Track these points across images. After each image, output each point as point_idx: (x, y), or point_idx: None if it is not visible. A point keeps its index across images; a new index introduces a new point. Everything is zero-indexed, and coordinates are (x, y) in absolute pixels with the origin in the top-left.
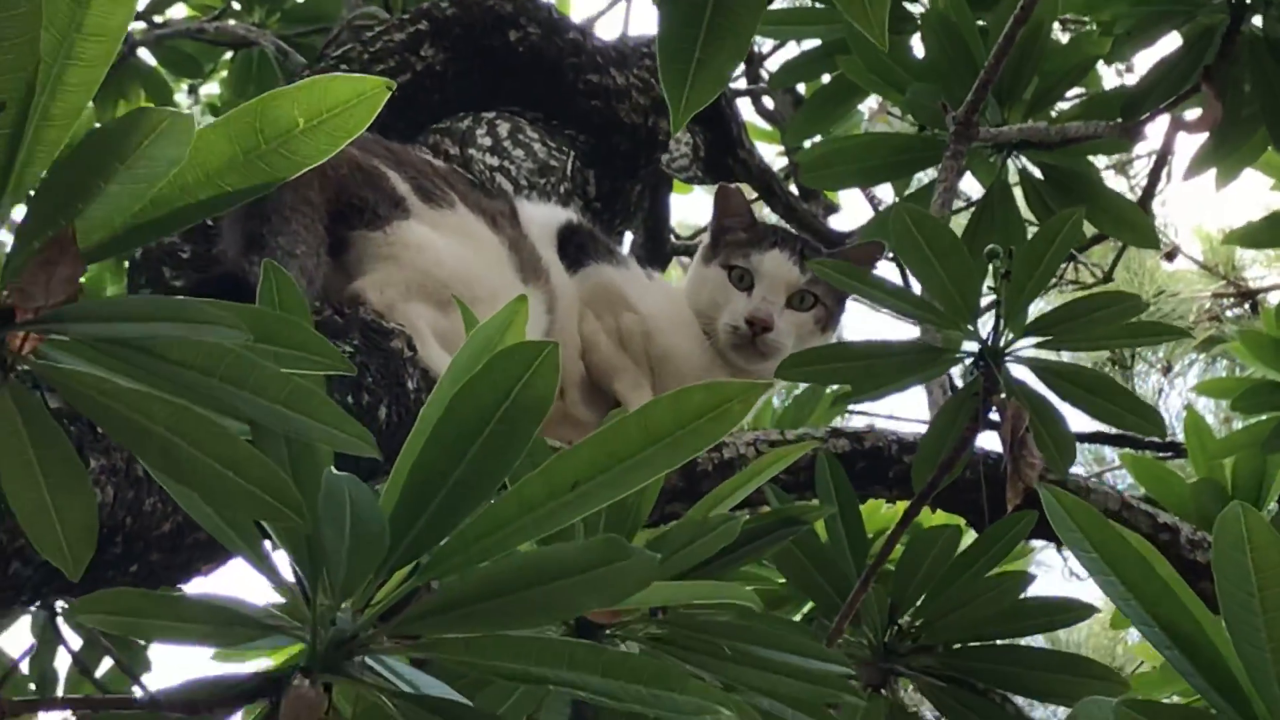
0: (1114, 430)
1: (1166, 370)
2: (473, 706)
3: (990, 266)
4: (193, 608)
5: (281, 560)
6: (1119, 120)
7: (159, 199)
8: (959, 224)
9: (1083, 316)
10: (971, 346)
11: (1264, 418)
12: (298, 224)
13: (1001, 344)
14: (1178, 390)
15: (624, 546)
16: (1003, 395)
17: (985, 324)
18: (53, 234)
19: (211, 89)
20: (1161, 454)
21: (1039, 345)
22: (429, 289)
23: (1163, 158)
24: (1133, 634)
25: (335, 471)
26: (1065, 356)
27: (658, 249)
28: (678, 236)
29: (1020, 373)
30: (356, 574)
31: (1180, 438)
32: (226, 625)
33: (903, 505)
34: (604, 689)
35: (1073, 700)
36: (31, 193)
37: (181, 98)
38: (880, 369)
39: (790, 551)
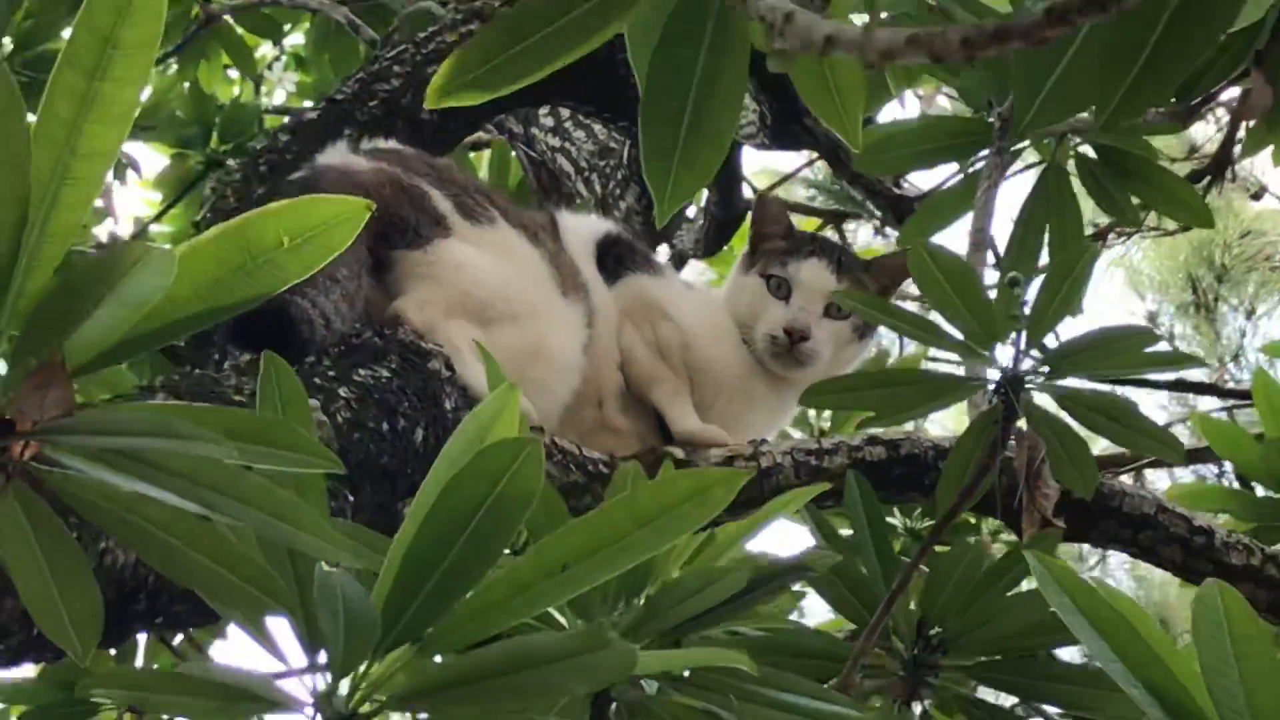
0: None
1: (1250, 314)
2: None
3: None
4: (201, 684)
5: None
6: (1173, 102)
7: (151, 315)
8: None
9: (1100, 345)
10: (993, 374)
11: None
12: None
13: (1021, 371)
14: (1262, 333)
15: (603, 637)
16: (1021, 424)
17: (1007, 352)
18: (43, 359)
19: (296, 39)
20: (1245, 403)
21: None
22: (470, 307)
23: (1236, 121)
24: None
25: (327, 569)
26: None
27: (730, 207)
28: (755, 189)
29: (1041, 400)
30: (352, 656)
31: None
32: (233, 700)
33: None
34: None
35: (1103, 714)
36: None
37: (267, 49)
38: (902, 397)
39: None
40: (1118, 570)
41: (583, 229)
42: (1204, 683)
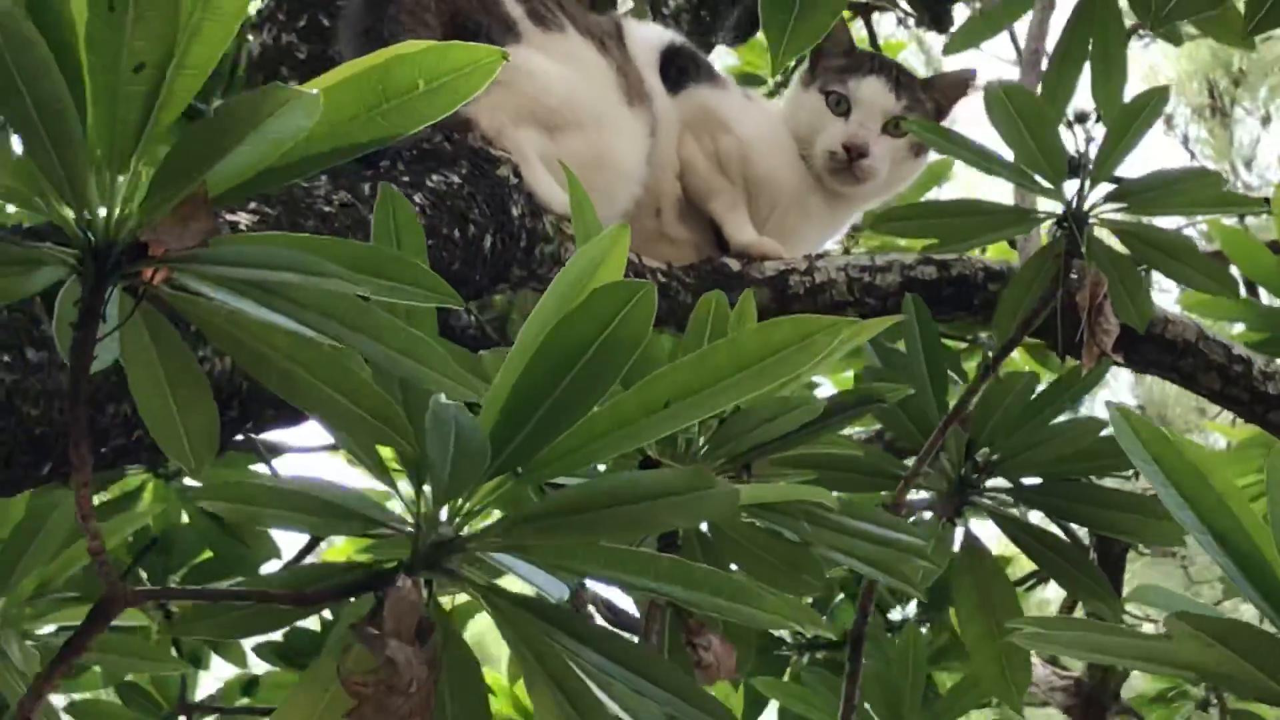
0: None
1: (1265, 120)
2: (562, 608)
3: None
4: (306, 499)
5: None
6: None
7: (288, 150)
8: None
9: (1168, 185)
10: (1056, 208)
11: None
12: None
13: (1085, 207)
14: (1276, 138)
15: (709, 479)
16: (1084, 259)
17: (1071, 188)
18: (189, 190)
19: None
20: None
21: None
22: (539, 114)
23: None
24: None
25: (444, 401)
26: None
27: None
28: None
29: (1103, 236)
30: (458, 483)
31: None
32: (336, 518)
33: None
34: (687, 598)
35: (1139, 537)
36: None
37: None
38: (967, 226)
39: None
40: None
41: (648, 37)
42: (1271, 534)
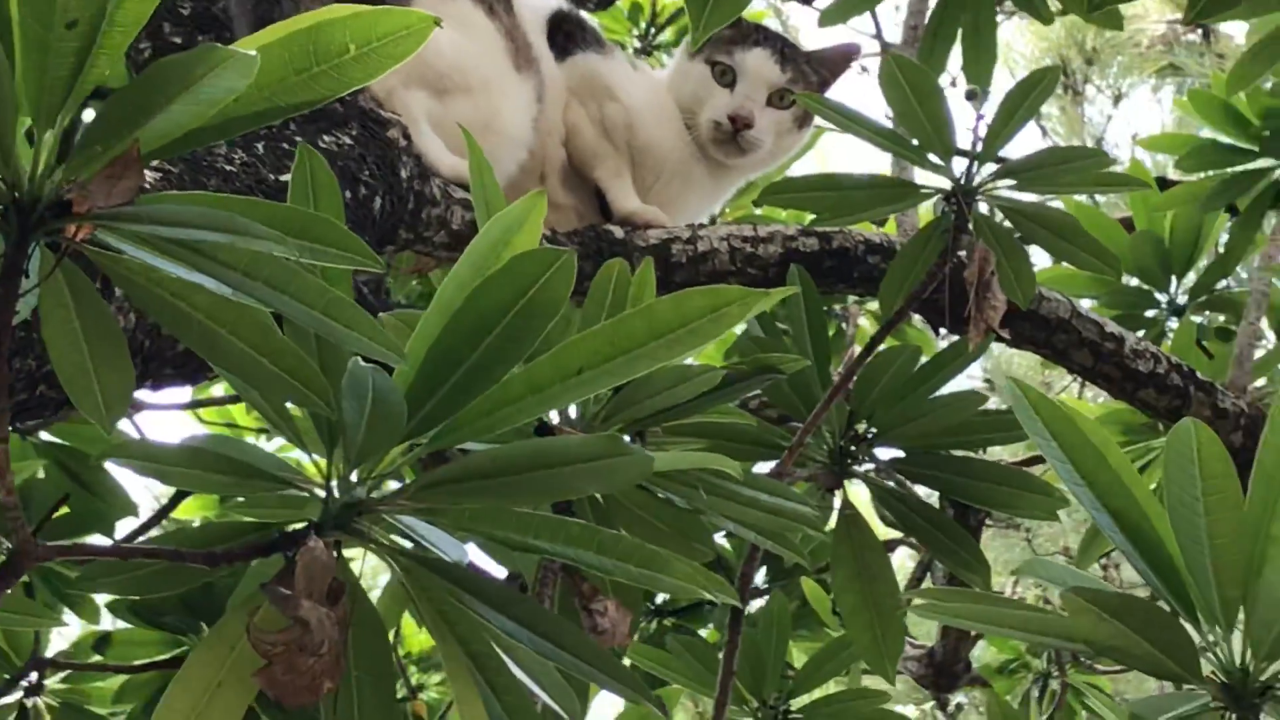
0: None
1: (1116, 98)
2: (470, 570)
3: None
4: (217, 460)
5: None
6: None
7: (219, 110)
8: None
9: (1055, 164)
10: (944, 184)
11: (1206, 175)
12: (305, 9)
13: (974, 184)
14: (1125, 117)
15: (625, 445)
16: (971, 235)
17: (960, 164)
18: (120, 148)
19: None
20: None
21: (1010, 188)
22: (428, 77)
23: None
24: None
25: (360, 364)
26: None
27: None
28: None
29: (990, 211)
30: (372, 445)
31: (1124, 166)
32: (246, 478)
33: None
34: (597, 564)
35: (1015, 510)
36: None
37: None
38: (855, 199)
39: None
40: None
41: (535, 3)
42: (1167, 512)
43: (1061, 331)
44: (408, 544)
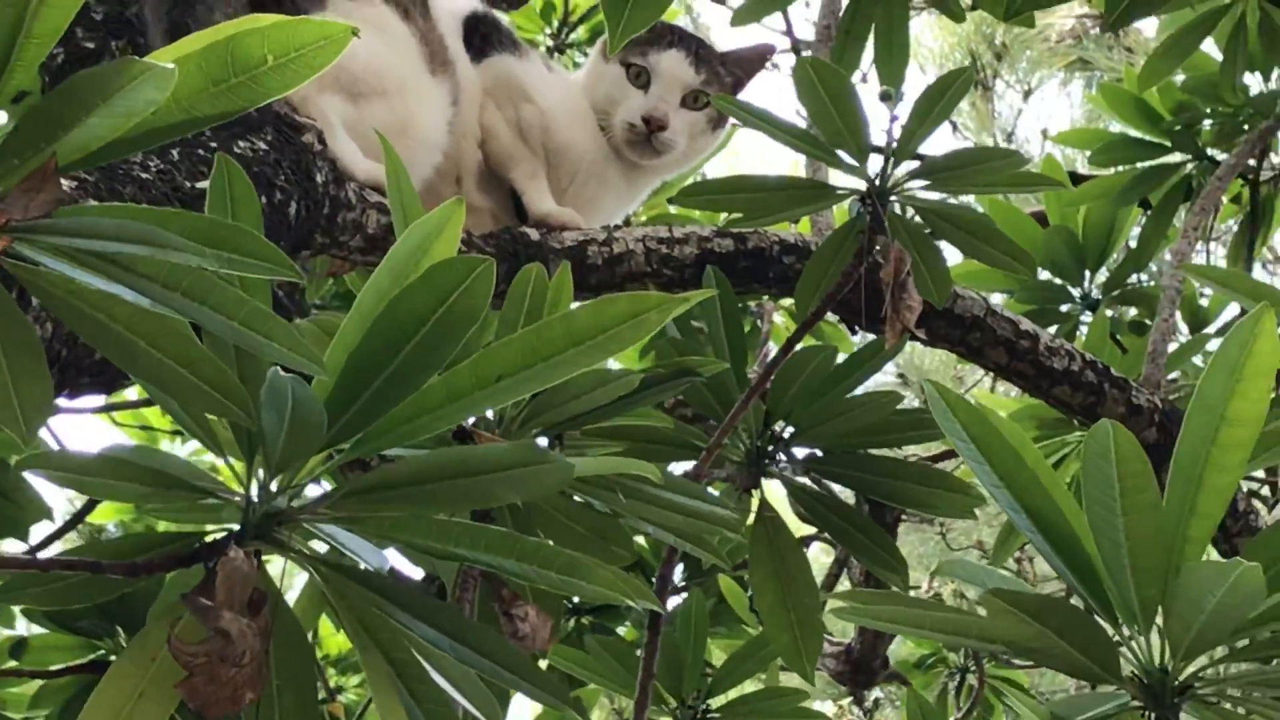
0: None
1: (1026, 93)
2: (390, 578)
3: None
4: (136, 469)
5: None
6: None
7: (137, 123)
8: None
9: (969, 165)
10: (859, 184)
11: (1118, 170)
12: (220, 14)
13: (889, 184)
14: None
15: (544, 453)
16: (887, 236)
17: (875, 164)
18: (37, 161)
19: None
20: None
21: (924, 188)
22: (342, 81)
23: None
24: None
25: (279, 374)
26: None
27: None
28: None
29: (904, 211)
30: (292, 454)
31: (1035, 164)
32: (166, 488)
33: None
34: (518, 571)
35: (932, 509)
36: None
37: None
38: (771, 201)
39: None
40: None
41: (452, 5)
42: (1084, 512)
43: (976, 330)
44: (327, 548)
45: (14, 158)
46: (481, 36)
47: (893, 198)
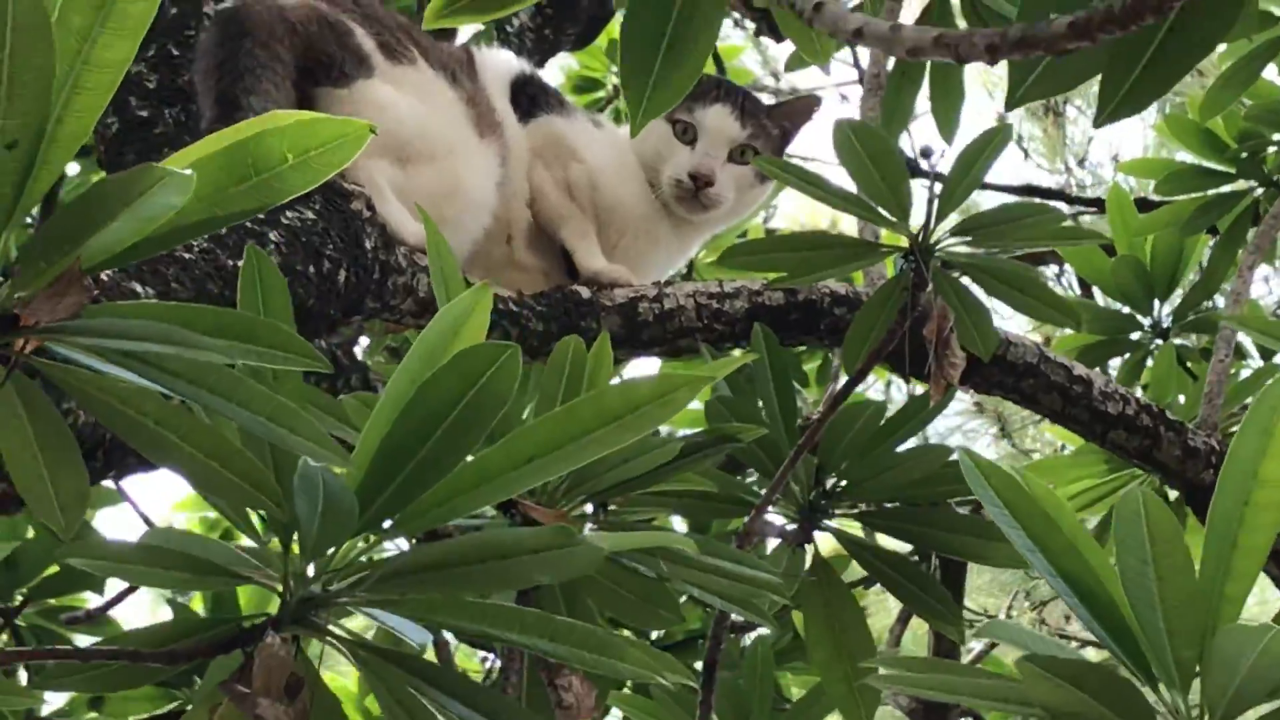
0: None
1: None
2: (426, 660)
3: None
4: (176, 557)
5: None
6: None
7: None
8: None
9: (1009, 220)
10: (903, 242)
11: (1185, 199)
12: (269, 83)
13: (931, 241)
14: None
15: (573, 536)
16: (930, 291)
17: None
18: (63, 267)
19: None
20: (1090, 210)
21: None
22: (391, 147)
23: None
24: None
25: (310, 464)
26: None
27: (606, 2)
28: None
29: (947, 267)
30: (326, 540)
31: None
32: (205, 574)
33: None
34: (552, 650)
35: (986, 560)
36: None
37: None
38: (815, 259)
39: (725, 417)
40: None
41: (498, 66)
42: (1119, 575)
43: (1029, 376)
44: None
45: (41, 261)
46: (529, 97)
47: (936, 253)
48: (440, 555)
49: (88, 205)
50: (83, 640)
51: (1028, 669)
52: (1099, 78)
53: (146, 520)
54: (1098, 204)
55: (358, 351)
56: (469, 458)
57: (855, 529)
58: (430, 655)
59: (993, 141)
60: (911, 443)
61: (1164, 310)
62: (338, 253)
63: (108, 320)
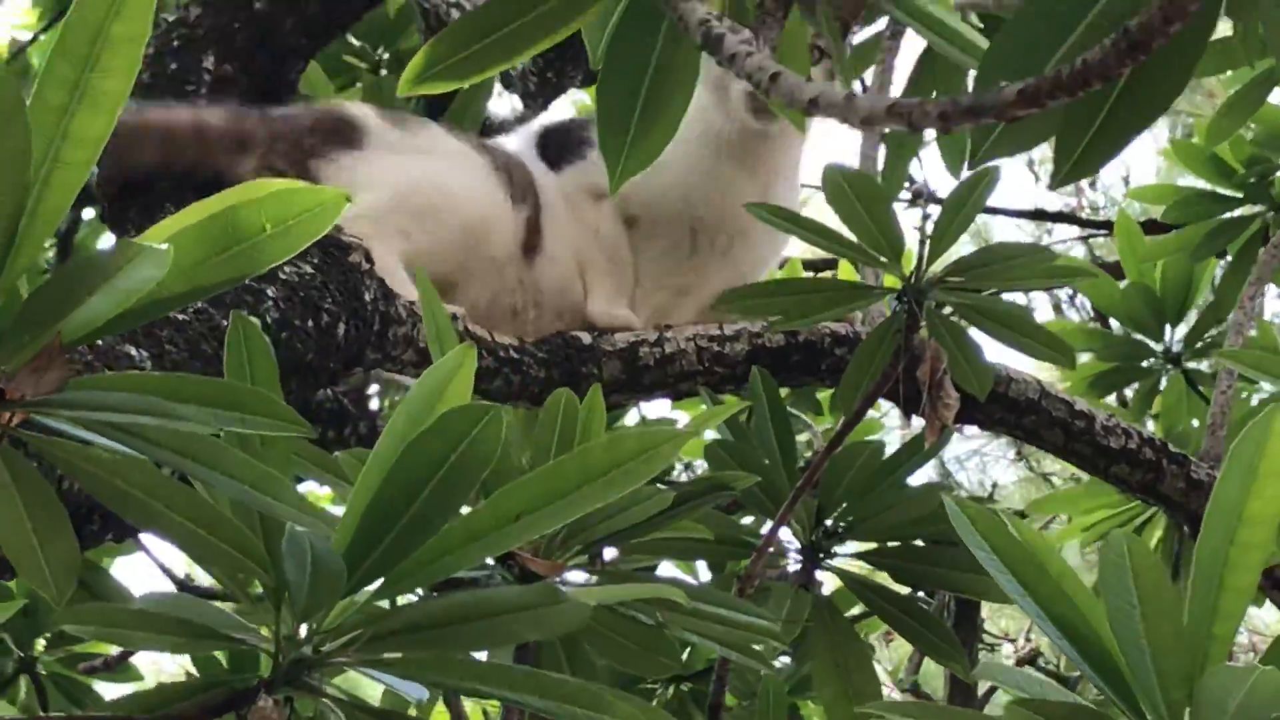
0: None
1: None
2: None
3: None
4: (168, 622)
5: None
6: None
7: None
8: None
9: (1000, 261)
10: (895, 284)
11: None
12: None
13: (924, 283)
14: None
15: (558, 594)
16: (923, 333)
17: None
18: (43, 343)
19: None
20: (1100, 232)
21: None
22: (408, 210)
23: None
24: None
25: (297, 529)
26: None
27: None
28: None
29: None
30: (316, 603)
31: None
32: (199, 637)
33: None
34: (542, 707)
35: (987, 596)
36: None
37: None
38: (812, 302)
39: (725, 461)
40: None
41: (525, 131)
42: (1107, 618)
43: (1031, 413)
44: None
45: (23, 335)
46: (556, 147)
47: (929, 296)
48: (431, 614)
49: (65, 283)
50: (102, 686)
51: (1014, 713)
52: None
53: (163, 568)
54: (1108, 226)
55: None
56: (463, 511)
57: (859, 567)
58: (441, 707)
59: (981, 183)
60: (927, 472)
61: (1175, 336)
62: (336, 306)
63: (92, 393)
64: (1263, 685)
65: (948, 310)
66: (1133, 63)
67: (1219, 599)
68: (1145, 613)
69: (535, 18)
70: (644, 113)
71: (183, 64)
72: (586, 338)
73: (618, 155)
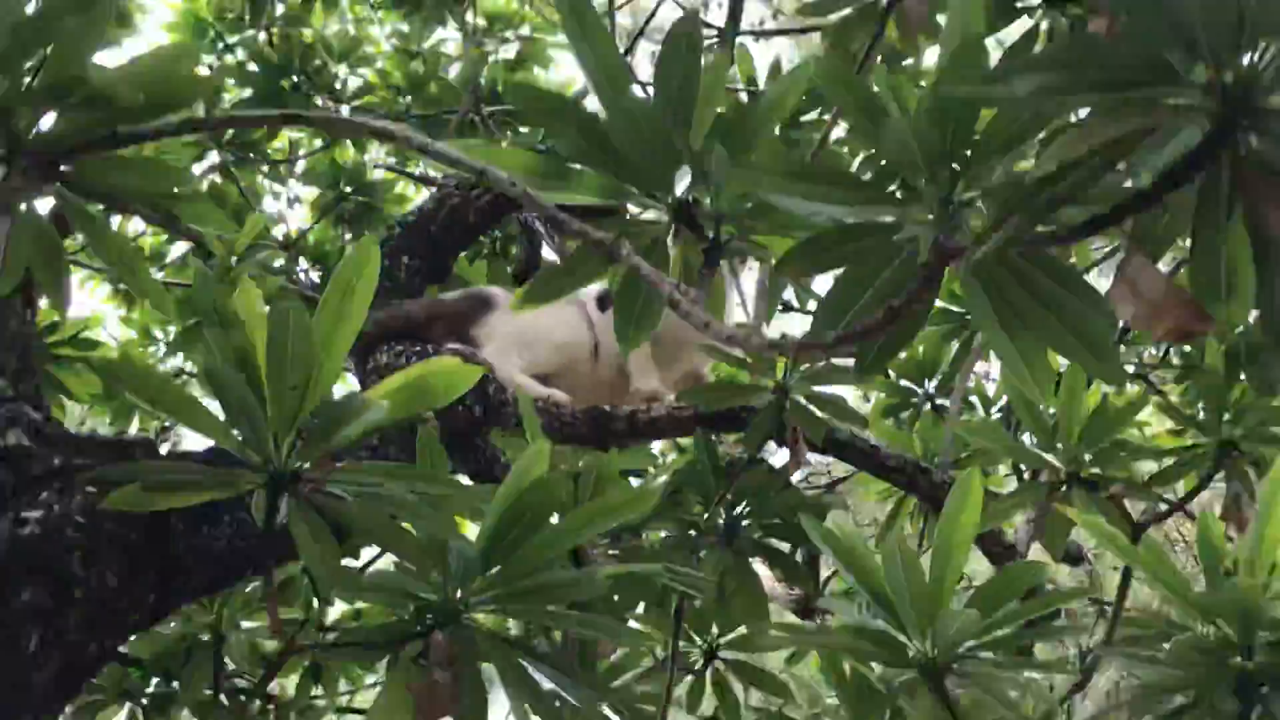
0: None
1: None
2: (527, 641)
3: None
4: (384, 586)
5: None
6: None
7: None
8: None
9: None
10: (771, 384)
11: None
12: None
13: (788, 384)
14: None
15: (595, 575)
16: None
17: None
18: (323, 449)
19: None
20: None
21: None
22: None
23: None
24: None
25: (453, 543)
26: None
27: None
28: None
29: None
30: (466, 576)
31: None
32: (405, 596)
33: None
34: (587, 635)
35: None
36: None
37: None
38: (727, 394)
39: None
40: None
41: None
42: (885, 577)
43: (846, 447)
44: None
45: (311, 447)
46: (603, 301)
47: (793, 391)
48: (536, 584)
49: (331, 417)
50: None
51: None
52: None
53: None
54: None
55: None
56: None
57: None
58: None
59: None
60: None
61: (931, 386)
62: (473, 398)
63: (350, 474)
64: (968, 620)
65: (801, 399)
66: (892, 326)
67: (946, 571)
68: (908, 576)
69: (582, 274)
70: (639, 318)
71: (393, 262)
72: (609, 408)
73: (625, 334)
